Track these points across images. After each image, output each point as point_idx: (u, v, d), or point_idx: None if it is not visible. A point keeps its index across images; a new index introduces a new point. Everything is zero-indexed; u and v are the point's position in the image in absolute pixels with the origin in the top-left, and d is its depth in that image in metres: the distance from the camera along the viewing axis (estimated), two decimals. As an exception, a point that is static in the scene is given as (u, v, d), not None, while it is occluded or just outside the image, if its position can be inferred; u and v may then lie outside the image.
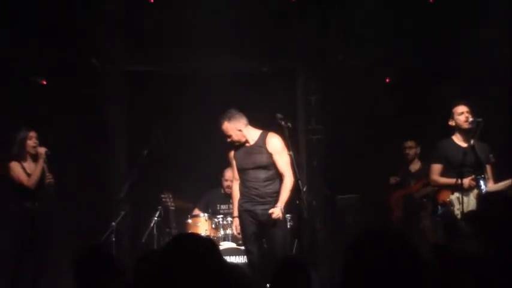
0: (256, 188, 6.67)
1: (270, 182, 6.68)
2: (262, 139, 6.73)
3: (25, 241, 7.30)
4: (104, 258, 3.97)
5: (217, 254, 2.83)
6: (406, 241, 2.37)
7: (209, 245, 2.90)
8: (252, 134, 6.76)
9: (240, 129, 6.70)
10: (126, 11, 8.64)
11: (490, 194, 6.12)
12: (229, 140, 6.73)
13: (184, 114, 8.84)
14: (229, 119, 6.68)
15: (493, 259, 3.24)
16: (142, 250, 7.07)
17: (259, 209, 6.63)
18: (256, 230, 6.64)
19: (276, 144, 6.69)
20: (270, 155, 6.67)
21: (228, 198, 8.15)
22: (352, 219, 8.54)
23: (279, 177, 6.68)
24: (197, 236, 3.41)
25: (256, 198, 6.65)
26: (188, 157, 8.68)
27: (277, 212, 6.46)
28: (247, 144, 6.76)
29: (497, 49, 8.23)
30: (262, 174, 6.68)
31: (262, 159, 6.67)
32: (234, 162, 6.86)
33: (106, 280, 3.83)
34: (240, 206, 6.76)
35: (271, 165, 6.67)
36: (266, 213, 6.55)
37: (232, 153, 6.87)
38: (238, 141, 6.72)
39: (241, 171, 6.77)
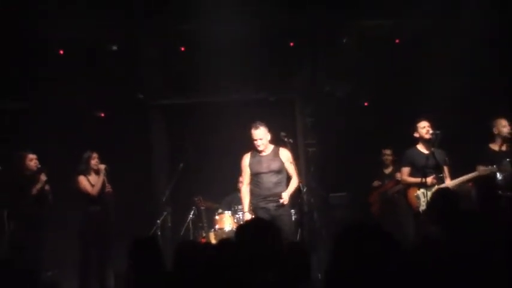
0: (268, 189, 6.57)
1: (279, 184, 6.59)
2: (276, 151, 6.66)
3: (90, 237, 7.30)
4: (153, 246, 4.05)
5: (278, 233, 2.96)
6: (380, 229, 2.38)
7: (272, 226, 3.08)
8: (268, 146, 6.71)
9: (268, 136, 6.65)
10: (163, 57, 8.71)
11: (441, 190, 6.03)
12: (259, 142, 6.57)
13: (209, 135, 8.85)
14: (264, 126, 6.62)
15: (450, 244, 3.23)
16: (181, 240, 7.09)
17: (271, 205, 6.52)
18: None
19: (287, 155, 6.64)
20: (282, 163, 6.61)
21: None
22: (341, 212, 8.52)
23: (286, 180, 6.64)
24: (264, 220, 3.56)
25: (269, 197, 6.55)
26: (213, 168, 8.66)
27: (285, 196, 6.42)
28: (262, 154, 6.65)
29: (449, 78, 8.29)
30: (274, 178, 6.58)
31: (276, 166, 6.59)
32: (247, 169, 6.70)
33: (154, 262, 3.89)
34: (255, 204, 6.63)
35: (282, 171, 6.61)
36: (277, 209, 6.49)
37: (246, 162, 6.71)
38: (264, 146, 6.60)
39: (257, 175, 6.63)
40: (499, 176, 6.57)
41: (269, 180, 6.60)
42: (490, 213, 3.44)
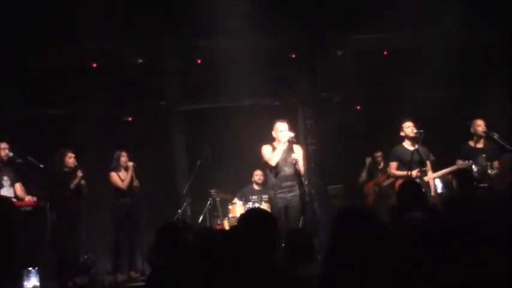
0: (285, 179, 6.52)
1: (293, 175, 6.52)
2: (290, 146, 6.58)
3: (121, 224, 7.40)
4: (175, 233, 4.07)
5: (274, 220, 3.00)
6: (372, 214, 2.42)
7: (268, 214, 3.12)
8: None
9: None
10: (182, 68, 8.76)
11: (405, 182, 5.97)
12: (285, 133, 6.52)
13: (223, 136, 8.86)
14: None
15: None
16: (199, 227, 7.13)
17: (289, 195, 6.50)
18: (282, 211, 6.51)
19: (300, 149, 6.65)
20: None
21: (256, 192, 8.17)
22: (338, 202, 8.53)
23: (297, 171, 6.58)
24: (262, 209, 3.56)
25: (285, 187, 6.52)
26: (227, 165, 8.66)
27: (300, 159, 6.44)
28: (279, 147, 6.58)
29: (431, 85, 8.34)
30: (290, 169, 6.52)
31: (291, 159, 6.52)
32: (269, 155, 6.57)
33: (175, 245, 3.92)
34: (273, 194, 6.61)
35: (294, 164, 6.55)
36: (292, 198, 6.48)
37: (269, 150, 6.59)
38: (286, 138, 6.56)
39: (275, 166, 6.54)
40: (474, 169, 6.61)
41: (286, 171, 6.55)
42: (469, 200, 3.49)
